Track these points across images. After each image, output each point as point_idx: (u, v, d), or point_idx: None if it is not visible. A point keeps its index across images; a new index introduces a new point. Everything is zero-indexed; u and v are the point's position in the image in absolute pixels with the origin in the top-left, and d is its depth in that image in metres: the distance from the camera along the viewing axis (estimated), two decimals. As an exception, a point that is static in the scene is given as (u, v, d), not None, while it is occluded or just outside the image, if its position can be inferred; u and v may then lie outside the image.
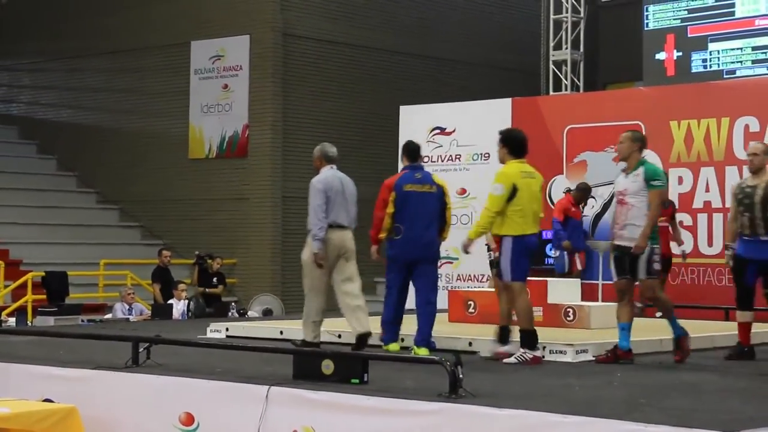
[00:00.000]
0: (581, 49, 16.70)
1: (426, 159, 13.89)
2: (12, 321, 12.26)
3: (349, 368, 6.56)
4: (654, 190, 7.65)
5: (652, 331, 9.11)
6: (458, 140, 13.59)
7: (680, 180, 12.08)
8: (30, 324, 12.05)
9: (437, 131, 13.98)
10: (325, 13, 18.29)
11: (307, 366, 6.69)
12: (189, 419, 6.71)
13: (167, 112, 18.66)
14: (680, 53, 15.23)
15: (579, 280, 10.83)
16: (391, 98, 16.94)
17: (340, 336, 8.99)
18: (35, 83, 21.43)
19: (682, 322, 8.05)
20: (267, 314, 14.64)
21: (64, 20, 20.06)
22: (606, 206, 12.49)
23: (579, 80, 16.62)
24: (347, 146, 17.91)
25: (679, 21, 15.31)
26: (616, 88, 17.18)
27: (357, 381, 6.47)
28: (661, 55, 15.40)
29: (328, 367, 6.59)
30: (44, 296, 14.35)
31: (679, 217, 11.82)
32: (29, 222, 18.00)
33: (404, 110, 14.40)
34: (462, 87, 18.82)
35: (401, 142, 14.08)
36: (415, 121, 14.08)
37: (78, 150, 19.72)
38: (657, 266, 7.72)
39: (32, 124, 20.95)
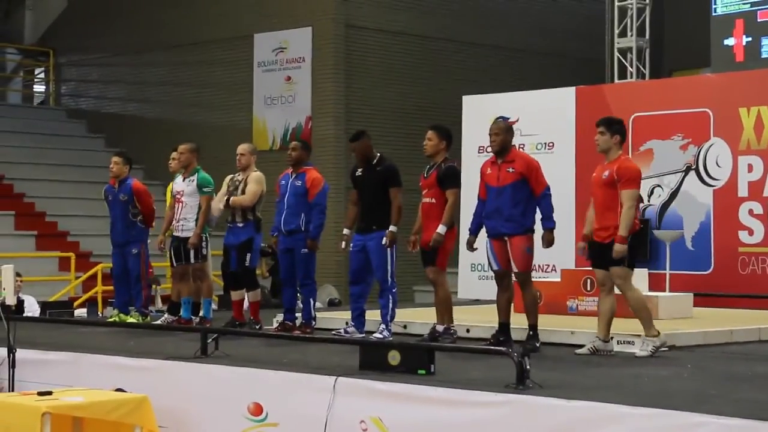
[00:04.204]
0: (647, 36, 16.45)
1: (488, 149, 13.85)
2: (83, 312, 12.47)
3: (416, 359, 6.57)
4: (203, 196, 9.67)
5: (721, 322, 8.98)
6: (522, 130, 13.43)
7: (750, 168, 11.82)
8: (100, 315, 12.27)
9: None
10: (387, 3, 18.28)
11: (373, 357, 6.73)
12: (258, 409, 6.78)
13: (231, 105, 18.83)
14: (750, 38, 14.92)
15: (647, 269, 10.67)
16: (454, 88, 16.86)
17: (405, 327, 9.01)
18: (102, 78, 21.78)
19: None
20: (332, 305, 14.71)
21: (130, 15, 20.35)
22: (673, 195, 12.30)
23: (645, 68, 16.38)
24: (410, 137, 17.88)
25: (748, 5, 14.99)
26: (683, 75, 16.90)
27: (423, 372, 6.49)
28: (729, 41, 15.10)
29: (394, 358, 6.61)
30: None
31: (750, 205, 11.62)
32: (98, 215, 18.27)
33: (467, 100, 14.34)
34: (526, 76, 18.67)
35: (465, 132, 14.11)
36: (478, 111, 14.01)
37: (144, 143, 20.00)
38: (204, 251, 9.68)
39: (100, 118, 21.31)
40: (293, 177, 9.06)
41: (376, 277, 8.39)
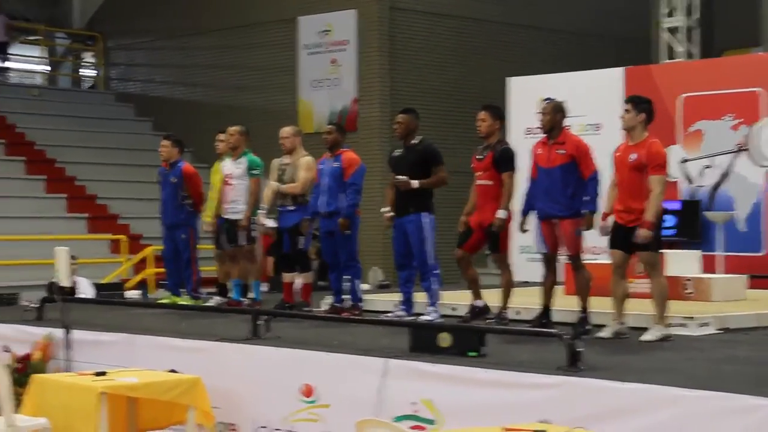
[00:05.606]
0: (697, 15, 16.22)
1: (536, 130, 13.76)
2: (136, 293, 12.63)
3: (466, 341, 6.58)
4: (252, 178, 9.73)
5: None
6: (569, 111, 13.36)
7: (802, 148, 11.67)
8: (151, 297, 12.40)
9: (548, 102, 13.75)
10: (431, -15, 18.19)
11: (423, 339, 6.74)
12: (309, 391, 6.83)
13: (277, 88, 18.89)
14: (802, 16, 14.67)
15: (699, 251, 10.55)
16: (500, 70, 16.76)
17: (454, 309, 9.01)
18: (150, 62, 21.95)
19: None
20: (382, 287, 14.74)
21: (177, -1, 20.50)
22: (724, 176, 12.15)
23: (694, 47, 16.16)
24: (455, 119, 17.85)
25: (801, -18, 14.73)
26: (734, 54, 16.65)
27: (474, 354, 6.49)
28: (781, 19, 14.86)
29: (444, 340, 6.62)
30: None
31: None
32: (148, 197, 18.48)
33: (513, 81, 14.26)
34: (573, 57, 18.48)
35: (511, 114, 14.02)
36: (524, 93, 13.92)
37: (192, 126, 20.12)
38: (253, 234, 9.79)
39: (148, 102, 21.50)
40: (330, 160, 9.06)
41: (417, 260, 8.38)
